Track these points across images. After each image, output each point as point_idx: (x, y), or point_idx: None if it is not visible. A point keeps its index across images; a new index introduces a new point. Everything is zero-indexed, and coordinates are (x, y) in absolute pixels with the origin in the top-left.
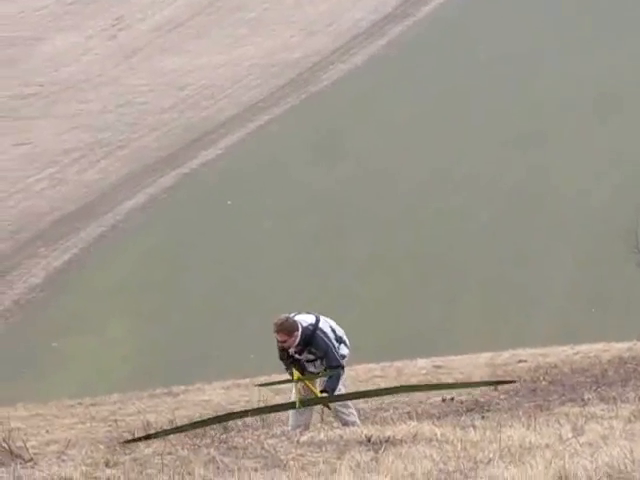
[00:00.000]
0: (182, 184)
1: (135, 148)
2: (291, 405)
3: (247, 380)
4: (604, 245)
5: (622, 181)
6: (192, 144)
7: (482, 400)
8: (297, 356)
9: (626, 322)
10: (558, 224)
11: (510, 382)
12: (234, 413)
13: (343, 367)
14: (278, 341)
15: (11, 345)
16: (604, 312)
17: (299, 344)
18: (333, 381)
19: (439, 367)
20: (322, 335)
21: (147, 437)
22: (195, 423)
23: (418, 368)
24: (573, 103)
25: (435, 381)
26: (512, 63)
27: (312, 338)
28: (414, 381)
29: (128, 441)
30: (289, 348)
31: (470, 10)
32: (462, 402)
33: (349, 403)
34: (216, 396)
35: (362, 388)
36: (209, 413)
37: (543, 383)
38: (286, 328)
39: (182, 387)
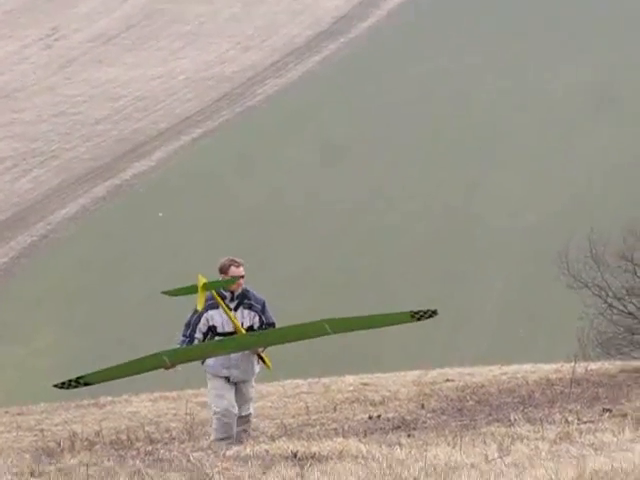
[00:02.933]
0: (114, 195)
1: (68, 158)
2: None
3: (174, 393)
4: (534, 266)
5: (554, 203)
6: (125, 155)
7: (409, 418)
8: (231, 312)
9: (554, 343)
10: (490, 244)
11: (431, 314)
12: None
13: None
14: (230, 280)
15: None
16: (533, 333)
17: (236, 297)
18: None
19: (366, 384)
20: (254, 292)
21: (85, 383)
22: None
23: (346, 384)
24: (507, 122)
25: (362, 398)
26: (447, 81)
27: (247, 291)
28: (341, 397)
29: (62, 384)
30: (236, 289)
31: (404, 28)
32: (389, 419)
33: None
34: (143, 408)
35: (289, 404)
36: (136, 425)
37: (470, 403)
38: (243, 263)
39: (109, 398)
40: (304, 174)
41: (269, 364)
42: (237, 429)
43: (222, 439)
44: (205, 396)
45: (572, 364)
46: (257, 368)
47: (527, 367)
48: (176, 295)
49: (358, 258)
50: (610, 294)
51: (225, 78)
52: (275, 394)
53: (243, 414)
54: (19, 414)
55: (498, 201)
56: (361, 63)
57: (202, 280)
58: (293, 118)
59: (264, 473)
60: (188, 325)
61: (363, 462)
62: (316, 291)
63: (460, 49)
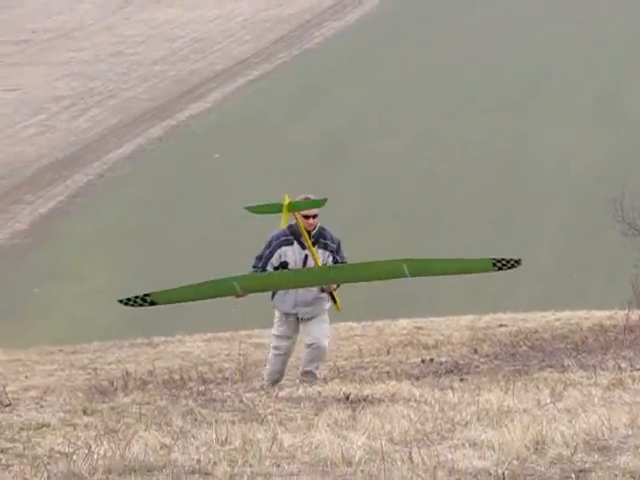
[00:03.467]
0: (170, 135)
1: (125, 98)
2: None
3: (227, 334)
4: (588, 213)
5: (607, 149)
6: (181, 96)
7: (461, 363)
8: (304, 252)
9: (608, 290)
10: (543, 191)
11: (514, 263)
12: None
13: None
14: (307, 219)
15: None
16: (586, 279)
17: (313, 236)
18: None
19: (420, 328)
20: (331, 231)
21: (152, 302)
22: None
23: (399, 328)
24: (557, 71)
25: (415, 342)
26: (506, 26)
27: (324, 230)
28: (394, 341)
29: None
30: (313, 229)
31: None
32: (441, 364)
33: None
34: (196, 348)
35: (342, 347)
36: (188, 365)
37: (523, 348)
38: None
39: (162, 338)
40: (359, 117)
41: (339, 305)
42: (305, 361)
43: (271, 377)
44: (258, 337)
45: (626, 311)
46: (327, 305)
47: (581, 313)
48: (259, 213)
49: (412, 203)
50: None
51: (282, 20)
52: (330, 336)
53: (313, 342)
54: (73, 352)
55: (552, 147)
56: (421, 7)
57: (287, 199)
58: (350, 61)
59: (316, 415)
60: (260, 258)
61: (415, 405)
62: (370, 235)
63: None
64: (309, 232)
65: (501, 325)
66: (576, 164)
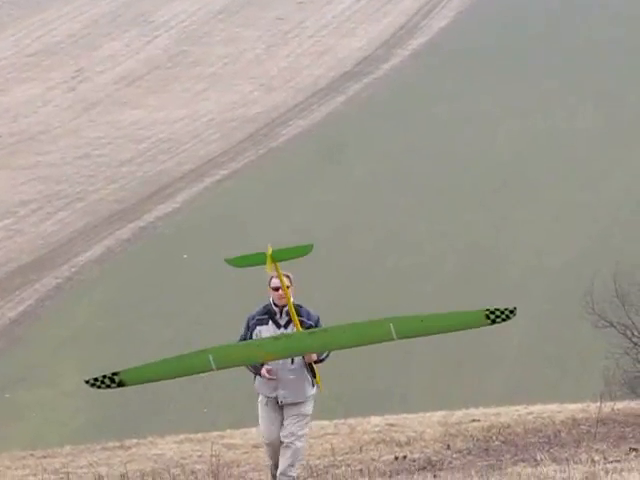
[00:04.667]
0: (139, 237)
1: (92, 200)
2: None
3: (199, 435)
4: (560, 305)
5: (579, 242)
6: (149, 197)
7: (435, 459)
8: (281, 330)
9: (580, 382)
10: (516, 283)
11: (509, 314)
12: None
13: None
14: (276, 291)
15: None
16: (559, 372)
17: (287, 313)
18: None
19: (392, 425)
20: (308, 309)
21: (120, 383)
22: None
23: (372, 425)
24: (533, 163)
25: (388, 439)
26: (470, 121)
27: (300, 307)
28: (366, 438)
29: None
30: (284, 302)
31: (426, 68)
32: (414, 460)
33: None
34: (168, 450)
35: (315, 445)
36: (161, 467)
37: (496, 443)
38: (289, 275)
39: (134, 440)
40: (329, 214)
41: (319, 381)
42: (281, 463)
43: (272, 471)
44: (231, 438)
45: (598, 403)
46: (311, 389)
47: (553, 407)
48: (241, 265)
49: (381, 298)
50: (636, 333)
51: (249, 119)
52: (303, 435)
53: (287, 442)
54: (44, 457)
55: (523, 240)
56: (384, 104)
57: (270, 249)
58: (317, 158)
59: None
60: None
61: None
62: None
63: (483, 89)
64: (282, 307)
65: (473, 420)
66: (547, 258)
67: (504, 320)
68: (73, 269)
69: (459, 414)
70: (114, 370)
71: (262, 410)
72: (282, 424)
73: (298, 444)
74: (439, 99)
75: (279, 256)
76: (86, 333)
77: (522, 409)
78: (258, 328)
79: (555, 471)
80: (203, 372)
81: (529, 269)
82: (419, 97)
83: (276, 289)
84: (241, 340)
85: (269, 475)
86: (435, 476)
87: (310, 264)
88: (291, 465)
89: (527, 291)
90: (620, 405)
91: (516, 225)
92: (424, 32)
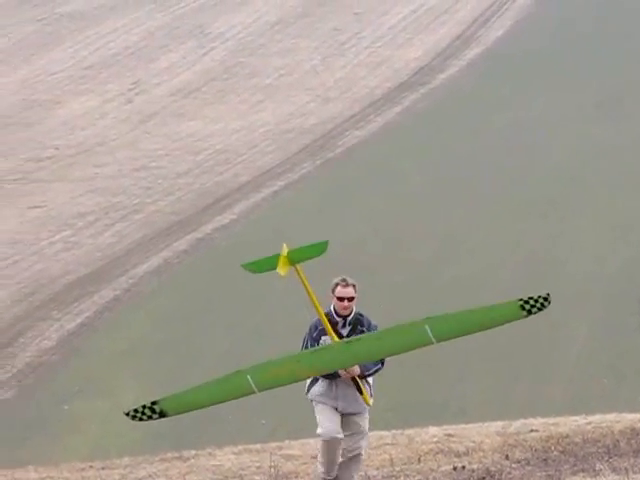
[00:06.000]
0: (196, 248)
1: (149, 212)
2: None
3: (258, 445)
4: (618, 314)
5: (637, 250)
6: (206, 209)
7: (493, 469)
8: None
9: (639, 392)
10: (572, 292)
11: (543, 302)
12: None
13: (383, 364)
14: (341, 301)
15: (23, 407)
16: (617, 382)
17: (350, 322)
18: (371, 365)
19: (450, 435)
20: (369, 318)
21: (161, 413)
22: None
23: (430, 436)
24: (588, 170)
25: (446, 449)
26: (527, 130)
27: (361, 316)
28: (425, 449)
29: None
30: (349, 313)
31: (485, 78)
32: (473, 471)
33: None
34: (227, 461)
35: (373, 456)
36: (219, 478)
37: (555, 453)
38: (354, 284)
39: (193, 451)
40: (385, 225)
41: (367, 397)
42: (340, 475)
43: (325, 468)
44: (289, 448)
45: None
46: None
47: (611, 416)
48: (257, 270)
49: (440, 309)
50: None
51: (305, 130)
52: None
53: (350, 450)
54: (103, 468)
55: (580, 249)
56: (441, 114)
57: (286, 249)
58: (373, 169)
59: None
60: (304, 347)
61: None
62: None
63: (539, 97)
64: (345, 317)
65: (532, 430)
66: (604, 266)
67: (539, 309)
68: (131, 281)
69: (517, 424)
70: (154, 399)
71: (320, 410)
72: (342, 426)
73: (358, 457)
74: (495, 108)
75: (295, 257)
76: (143, 345)
77: (581, 419)
78: (323, 338)
79: None
80: (245, 395)
81: (586, 278)
82: (475, 106)
83: (341, 299)
84: (303, 346)
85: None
86: None
87: (366, 276)
88: (350, 478)
89: (585, 300)
90: None
91: (572, 234)
92: (480, 42)
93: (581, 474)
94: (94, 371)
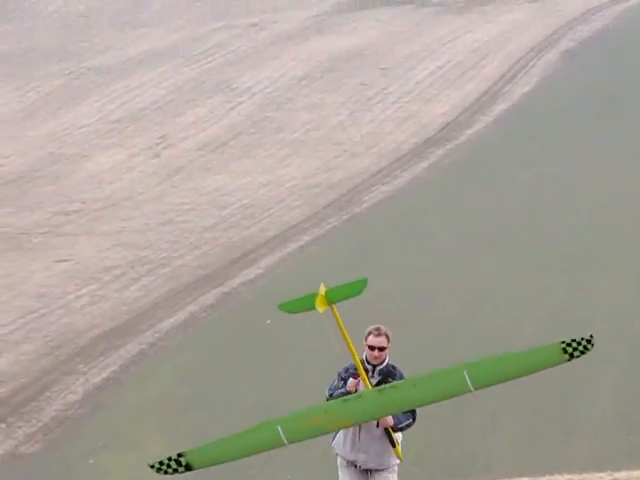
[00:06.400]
0: (222, 303)
1: (176, 266)
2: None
3: None
4: None
5: None
6: (233, 263)
7: None
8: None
9: None
10: (599, 347)
11: (586, 344)
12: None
13: (415, 419)
14: (372, 350)
15: (48, 462)
16: None
17: (380, 372)
18: (403, 418)
19: None
20: (402, 370)
21: (187, 466)
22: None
23: None
24: (615, 227)
25: None
26: (551, 186)
27: (394, 368)
28: None
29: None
30: (379, 362)
31: (511, 133)
32: None
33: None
34: None
35: None
36: None
37: None
38: (387, 333)
39: None
40: (412, 280)
41: (399, 451)
42: None
43: None
44: None
45: None
46: (393, 459)
47: (637, 473)
48: (294, 310)
49: (465, 358)
50: None
51: (332, 185)
52: None
53: None
54: None
55: (605, 304)
56: (467, 169)
57: (323, 288)
58: (400, 224)
59: None
60: (330, 391)
61: None
62: None
63: (564, 154)
64: (375, 366)
65: None
66: (630, 322)
67: (582, 352)
68: (157, 335)
69: None
70: (180, 453)
71: (343, 475)
72: None
73: None
74: (521, 164)
75: (333, 296)
76: (169, 399)
77: (606, 476)
78: (350, 380)
79: None
80: (274, 447)
81: (611, 333)
82: (501, 162)
83: (372, 348)
84: (330, 393)
85: None
86: None
87: (395, 329)
88: None
89: (610, 356)
90: None
91: (597, 289)
92: (507, 97)
93: None
94: (119, 425)
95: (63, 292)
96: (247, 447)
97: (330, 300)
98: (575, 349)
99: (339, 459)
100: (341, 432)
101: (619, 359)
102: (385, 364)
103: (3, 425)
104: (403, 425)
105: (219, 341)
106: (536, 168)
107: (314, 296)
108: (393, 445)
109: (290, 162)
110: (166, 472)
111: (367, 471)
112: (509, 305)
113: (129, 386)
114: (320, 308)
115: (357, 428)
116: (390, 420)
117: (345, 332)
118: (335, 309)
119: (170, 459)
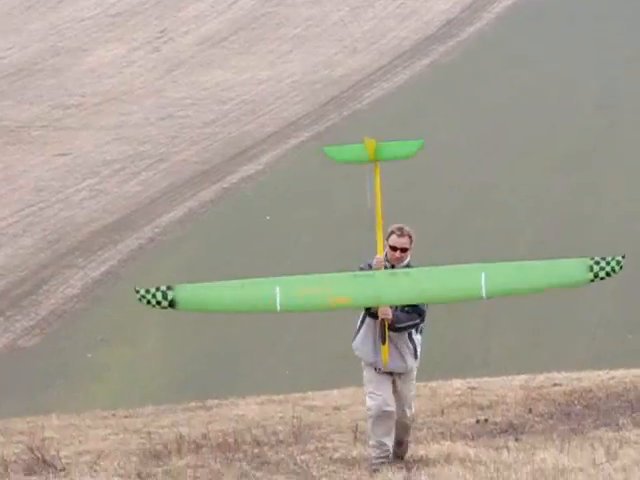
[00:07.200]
0: (222, 198)
1: (175, 161)
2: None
3: (281, 396)
4: None
5: None
6: (233, 159)
7: (516, 422)
8: None
9: None
10: (601, 248)
11: (615, 265)
12: None
13: (423, 320)
14: (394, 251)
15: (46, 355)
16: None
17: None
18: (404, 317)
19: (474, 388)
20: None
21: (171, 303)
22: None
23: (453, 389)
24: (619, 126)
25: (469, 402)
26: (555, 83)
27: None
28: (448, 401)
29: None
30: (396, 262)
31: (515, 30)
32: (496, 423)
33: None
34: (250, 411)
35: None
36: (242, 428)
37: (578, 407)
38: (410, 234)
39: (216, 401)
40: (412, 176)
41: (385, 349)
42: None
43: (378, 450)
44: (312, 400)
45: None
46: (413, 360)
47: (635, 372)
48: (339, 158)
49: (463, 260)
50: None
51: (333, 81)
52: None
53: (399, 419)
54: (126, 417)
55: (609, 204)
56: (469, 67)
57: (374, 142)
58: (400, 121)
59: (371, 477)
60: None
61: (470, 466)
62: None
63: (569, 52)
64: (393, 266)
65: (555, 384)
66: (633, 222)
67: (608, 275)
68: (156, 230)
69: (541, 378)
70: (169, 285)
71: (368, 378)
72: (394, 392)
73: (408, 415)
74: (523, 62)
75: (382, 152)
76: None
77: (604, 374)
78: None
79: (637, 435)
80: (266, 310)
81: (614, 233)
82: (503, 60)
83: (394, 248)
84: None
85: (369, 452)
86: (517, 439)
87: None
88: (402, 442)
89: (613, 254)
90: None
91: (602, 189)
92: None
93: (603, 428)
94: (118, 320)
95: (62, 186)
96: (239, 301)
97: (379, 156)
98: (602, 268)
99: (362, 362)
100: (362, 333)
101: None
102: (404, 264)
103: (1, 318)
104: (403, 325)
105: (218, 236)
106: (539, 66)
107: (363, 146)
108: (383, 342)
109: (291, 58)
110: (148, 302)
111: (390, 373)
112: (511, 203)
113: (128, 280)
114: (368, 158)
115: (377, 331)
116: (389, 312)
117: (380, 196)
118: (378, 168)
119: (158, 289)
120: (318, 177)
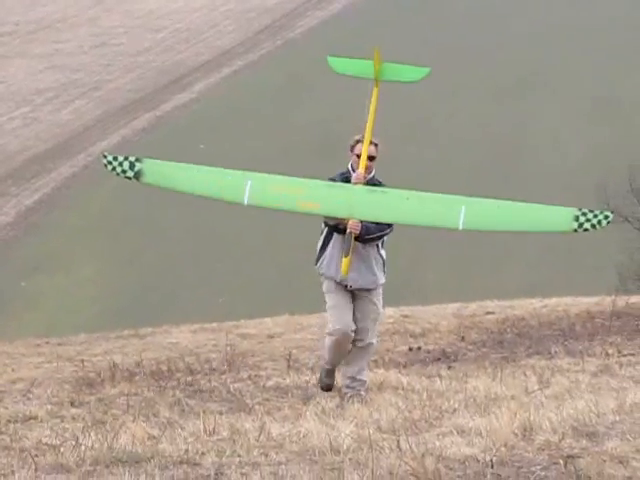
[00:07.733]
0: (155, 127)
1: (109, 89)
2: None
3: (214, 324)
4: (576, 200)
5: (599, 139)
6: (166, 87)
7: (449, 350)
8: None
9: (595, 277)
10: (533, 177)
11: (602, 219)
12: None
13: (392, 230)
14: (358, 160)
15: None
16: (573, 266)
17: (367, 184)
18: (374, 229)
19: (407, 316)
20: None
21: (136, 175)
22: None
23: (386, 317)
24: (552, 57)
25: (402, 330)
26: (486, 18)
27: (379, 183)
28: (381, 329)
29: None
30: (369, 173)
31: None
32: (429, 352)
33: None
34: (183, 339)
35: None
36: (176, 356)
37: (510, 335)
38: (376, 142)
39: (149, 329)
40: (345, 107)
41: (347, 263)
42: (352, 366)
43: (327, 372)
44: (245, 328)
45: (612, 297)
46: (382, 276)
47: (568, 300)
48: (341, 71)
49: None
50: None
51: (266, 10)
52: (315, 325)
53: (359, 340)
54: (60, 344)
55: (546, 134)
56: None
57: (378, 61)
58: (333, 50)
59: (304, 404)
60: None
61: (403, 393)
62: None
63: None
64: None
65: (488, 313)
66: (567, 152)
67: (593, 227)
68: (89, 158)
69: (474, 306)
70: (138, 157)
71: (329, 295)
72: (354, 314)
73: (374, 342)
74: None
75: (386, 72)
76: (101, 222)
77: (537, 302)
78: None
79: (569, 364)
80: (233, 201)
81: (548, 162)
82: None
83: (360, 157)
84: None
85: (319, 375)
86: (449, 367)
87: (330, 155)
88: (362, 369)
89: (544, 185)
90: (634, 299)
91: (539, 120)
92: None
93: (536, 356)
94: (52, 247)
95: None
96: (208, 186)
97: (381, 75)
98: (588, 220)
99: (326, 283)
100: (327, 254)
101: (552, 189)
102: (372, 175)
103: None
104: (373, 236)
105: None
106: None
107: (369, 64)
108: (347, 254)
109: None
110: (114, 169)
111: (356, 291)
112: (447, 133)
113: (62, 208)
114: (373, 75)
115: (343, 244)
116: (359, 226)
117: (374, 115)
118: (378, 87)
119: (126, 158)
120: (252, 106)
